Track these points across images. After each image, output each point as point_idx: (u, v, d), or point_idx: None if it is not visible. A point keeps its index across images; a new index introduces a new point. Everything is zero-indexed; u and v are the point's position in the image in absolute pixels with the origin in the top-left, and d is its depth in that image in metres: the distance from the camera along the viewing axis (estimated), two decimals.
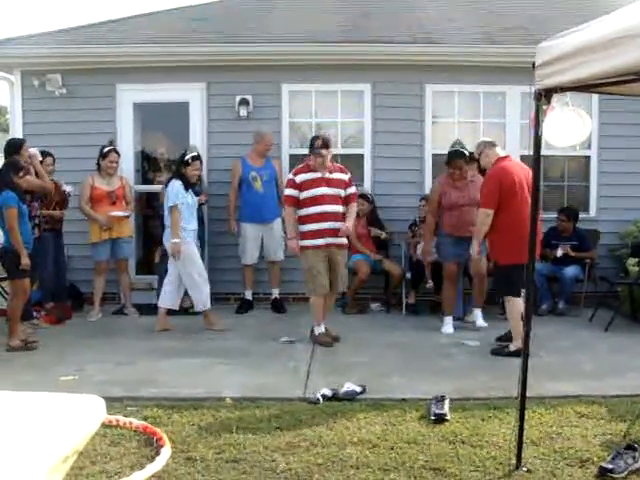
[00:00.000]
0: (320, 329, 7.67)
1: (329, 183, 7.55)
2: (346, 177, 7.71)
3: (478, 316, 8.39)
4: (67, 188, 8.80)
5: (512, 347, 6.98)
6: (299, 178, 7.55)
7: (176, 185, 8.06)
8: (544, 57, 3.92)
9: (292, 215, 7.62)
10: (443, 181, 8.30)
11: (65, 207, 8.82)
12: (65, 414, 2.84)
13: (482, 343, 7.66)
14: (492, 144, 7.57)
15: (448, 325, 8.23)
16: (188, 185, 8.15)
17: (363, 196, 9.25)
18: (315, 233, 7.51)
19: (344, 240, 7.70)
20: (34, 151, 8.20)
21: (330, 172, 7.58)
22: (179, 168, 8.28)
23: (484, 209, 7.19)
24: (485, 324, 8.29)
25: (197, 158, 8.40)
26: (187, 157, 8.25)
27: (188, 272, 8.07)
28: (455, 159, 8.16)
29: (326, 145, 7.51)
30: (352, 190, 7.77)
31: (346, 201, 7.70)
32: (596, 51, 3.39)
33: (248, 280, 9.35)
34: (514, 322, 7.03)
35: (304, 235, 7.58)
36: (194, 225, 8.24)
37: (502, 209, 7.05)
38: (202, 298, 8.19)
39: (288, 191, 7.62)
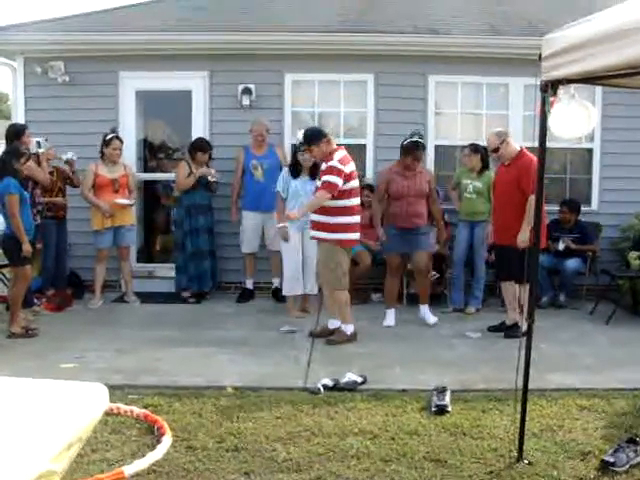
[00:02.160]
0: (350, 327, 7.48)
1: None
2: (324, 166, 7.22)
3: (426, 313, 8.25)
4: (69, 155, 8.75)
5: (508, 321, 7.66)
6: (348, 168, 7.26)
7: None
8: (551, 49, 3.90)
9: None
10: (393, 170, 8.19)
11: (73, 183, 8.83)
12: (69, 401, 2.84)
13: (484, 335, 7.67)
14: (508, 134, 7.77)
15: (390, 318, 8.18)
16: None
17: (369, 187, 9.26)
18: (353, 227, 7.38)
19: (316, 234, 7.38)
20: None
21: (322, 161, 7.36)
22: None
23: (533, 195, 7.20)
24: (436, 319, 8.17)
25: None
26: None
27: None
28: (415, 150, 8.06)
29: (306, 141, 7.34)
30: (324, 178, 7.14)
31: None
32: (604, 43, 3.37)
33: (249, 269, 9.35)
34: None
35: (341, 227, 7.28)
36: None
37: None
38: None
39: (338, 180, 7.12)
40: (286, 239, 8.14)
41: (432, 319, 8.14)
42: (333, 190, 7.07)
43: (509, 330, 7.62)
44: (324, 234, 7.27)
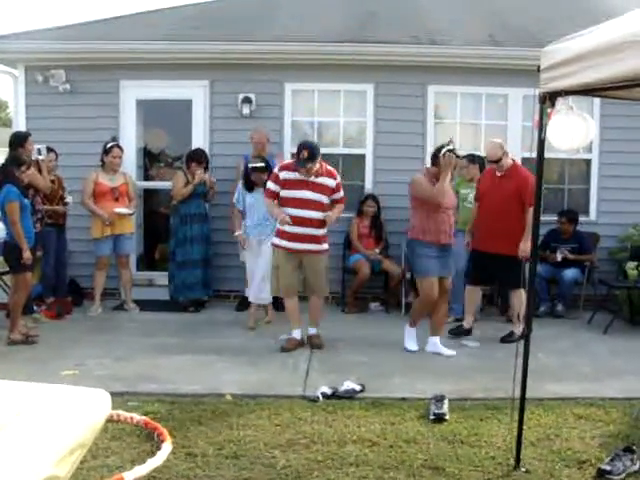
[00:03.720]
0: (294, 334, 7.53)
1: (310, 186, 7.29)
2: (333, 183, 7.35)
3: (440, 345, 7.48)
4: (69, 199, 8.82)
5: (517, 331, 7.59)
6: (283, 175, 7.33)
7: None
8: (549, 60, 3.95)
9: (272, 205, 7.48)
10: (427, 179, 7.33)
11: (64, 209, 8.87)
12: (72, 407, 2.86)
13: (482, 344, 7.70)
14: None
15: (412, 340, 7.57)
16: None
17: (372, 197, 9.36)
18: (290, 236, 7.31)
19: (321, 247, 7.41)
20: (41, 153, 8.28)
21: (316, 176, 7.27)
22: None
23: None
24: (453, 352, 7.38)
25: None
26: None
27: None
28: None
29: (312, 158, 7.14)
30: (339, 195, 7.44)
31: (332, 204, 7.45)
32: (603, 56, 3.42)
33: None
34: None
35: (278, 233, 7.42)
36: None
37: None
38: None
39: (270, 184, 7.44)
40: (244, 247, 8.44)
41: (449, 351, 7.37)
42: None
43: (508, 336, 7.86)
44: (320, 246, 7.41)
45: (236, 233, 8.45)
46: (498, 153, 7.84)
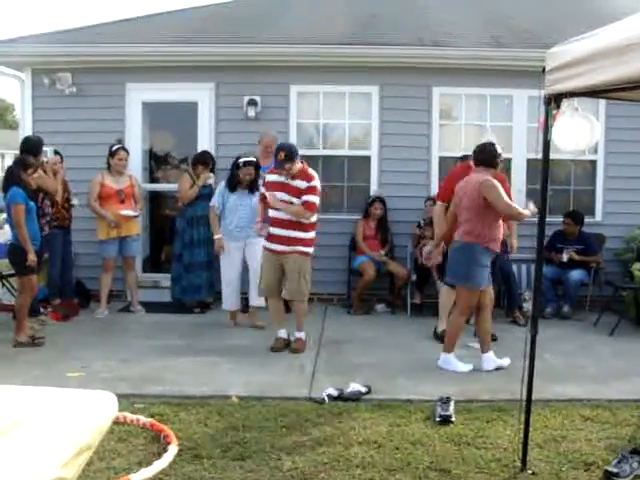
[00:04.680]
0: (279, 333, 7.57)
1: (285, 189, 7.27)
2: (304, 185, 7.22)
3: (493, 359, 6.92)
4: (75, 201, 8.85)
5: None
6: (268, 177, 7.49)
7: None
8: (554, 62, 3.95)
9: (260, 209, 7.58)
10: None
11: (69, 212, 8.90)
12: (79, 409, 2.87)
13: None
14: None
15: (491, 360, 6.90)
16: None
17: (380, 199, 9.36)
18: (269, 237, 7.39)
19: (294, 248, 7.27)
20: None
21: (293, 178, 7.23)
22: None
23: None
24: (508, 360, 6.74)
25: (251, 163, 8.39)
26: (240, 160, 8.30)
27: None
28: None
29: (289, 158, 7.14)
30: (305, 198, 7.20)
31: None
32: (608, 57, 3.42)
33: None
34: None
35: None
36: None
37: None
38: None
39: (261, 188, 7.68)
40: (221, 251, 8.34)
41: (506, 361, 6.77)
42: (316, 211, 7.34)
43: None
44: (293, 248, 7.30)
45: (217, 236, 8.32)
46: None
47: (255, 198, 8.02)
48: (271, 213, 7.36)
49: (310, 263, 7.44)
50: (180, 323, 8.61)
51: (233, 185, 8.28)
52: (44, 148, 8.24)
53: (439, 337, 7.76)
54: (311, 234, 7.39)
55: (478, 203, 6.50)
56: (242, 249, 8.29)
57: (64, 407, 2.89)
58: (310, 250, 7.39)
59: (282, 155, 7.14)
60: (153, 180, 10.51)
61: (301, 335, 7.53)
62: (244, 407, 5.63)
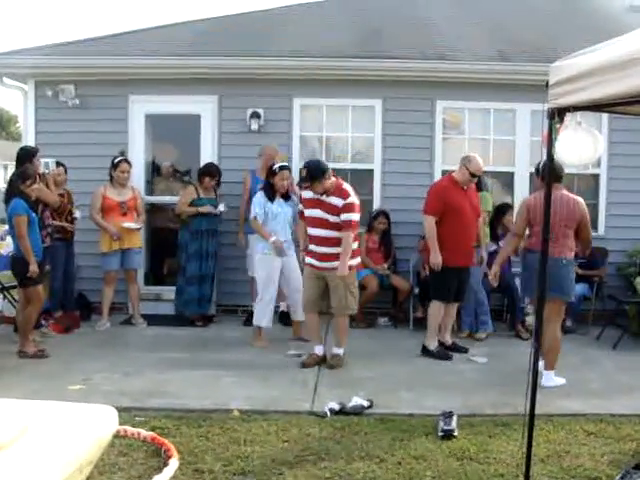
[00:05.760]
0: (316, 349, 7.52)
1: (321, 206, 7.23)
2: (341, 202, 7.14)
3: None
4: (77, 214, 8.85)
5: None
6: (304, 194, 7.44)
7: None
8: (558, 76, 3.95)
9: (301, 229, 7.64)
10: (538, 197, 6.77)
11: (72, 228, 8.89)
12: (79, 424, 2.86)
13: (490, 360, 7.66)
14: None
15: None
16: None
17: (384, 213, 9.37)
18: (309, 253, 7.41)
19: (334, 264, 7.21)
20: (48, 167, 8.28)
21: (328, 195, 7.20)
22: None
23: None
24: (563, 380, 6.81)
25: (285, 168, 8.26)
26: (275, 167, 8.16)
27: None
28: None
29: (310, 178, 7.17)
30: (345, 217, 7.13)
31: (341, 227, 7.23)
32: (611, 72, 3.41)
33: (255, 292, 9.35)
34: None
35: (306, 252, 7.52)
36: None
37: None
38: None
39: (300, 205, 7.62)
40: (281, 254, 8.05)
41: (560, 380, 6.80)
42: (356, 227, 7.28)
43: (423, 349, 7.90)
44: (333, 264, 7.24)
45: (272, 239, 7.97)
46: (482, 168, 7.92)
47: (289, 207, 8.09)
48: (310, 231, 7.36)
49: (354, 276, 7.44)
50: (182, 336, 8.59)
51: (272, 194, 8.12)
52: (47, 160, 8.24)
53: (434, 354, 7.74)
54: (352, 246, 7.28)
55: (575, 220, 6.88)
56: (281, 262, 8.16)
57: (65, 421, 2.88)
58: (353, 262, 7.34)
59: (304, 173, 7.24)
60: (154, 192, 10.47)
61: (340, 352, 7.45)
62: (246, 421, 5.62)
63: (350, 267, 7.27)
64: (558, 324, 6.80)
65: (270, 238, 7.96)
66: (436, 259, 7.59)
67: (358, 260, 7.53)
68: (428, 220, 7.66)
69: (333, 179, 7.28)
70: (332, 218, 7.19)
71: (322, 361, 7.42)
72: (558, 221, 6.64)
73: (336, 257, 7.20)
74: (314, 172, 7.19)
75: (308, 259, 7.43)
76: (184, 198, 9.07)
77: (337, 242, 7.20)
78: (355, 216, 7.21)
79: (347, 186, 7.35)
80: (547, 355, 6.67)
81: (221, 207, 9.03)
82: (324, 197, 7.22)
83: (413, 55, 9.72)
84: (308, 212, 7.38)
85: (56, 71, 9.59)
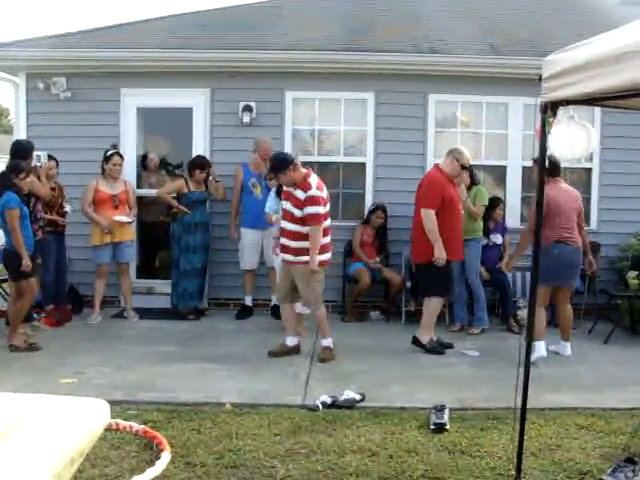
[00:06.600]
0: (287, 340, 7.54)
1: (289, 198, 7.24)
2: (302, 195, 7.10)
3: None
4: (67, 208, 8.81)
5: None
6: (285, 187, 7.46)
7: None
8: (551, 70, 3.94)
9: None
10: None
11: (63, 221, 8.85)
12: (70, 416, 2.85)
13: (482, 353, 7.68)
14: None
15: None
16: None
17: (382, 208, 9.37)
18: (281, 247, 7.43)
19: (295, 258, 7.21)
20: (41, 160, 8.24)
21: (295, 188, 7.19)
22: None
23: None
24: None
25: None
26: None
27: None
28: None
29: (273, 169, 7.31)
30: (307, 210, 7.09)
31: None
32: (605, 65, 3.41)
33: (248, 286, 9.36)
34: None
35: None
36: None
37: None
38: None
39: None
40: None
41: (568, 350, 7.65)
42: (320, 220, 7.15)
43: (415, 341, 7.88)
44: (295, 258, 7.24)
45: (274, 218, 8.21)
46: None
47: None
48: (281, 224, 7.38)
49: (322, 271, 7.35)
50: (174, 329, 8.59)
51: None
52: (38, 153, 8.20)
53: (427, 348, 7.72)
54: (322, 241, 7.22)
55: (579, 210, 7.64)
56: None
57: (56, 414, 2.87)
58: (323, 257, 7.26)
59: (268, 165, 7.28)
60: (142, 185, 10.42)
61: (327, 343, 7.44)
62: (238, 414, 5.62)
63: (321, 262, 7.23)
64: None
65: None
66: (441, 254, 7.53)
67: (328, 256, 7.42)
68: (429, 214, 7.56)
69: (303, 171, 7.24)
70: (296, 211, 7.15)
71: (293, 352, 7.45)
72: (569, 210, 7.27)
73: (299, 251, 7.18)
74: (276, 164, 7.23)
75: (281, 253, 7.44)
76: (170, 187, 9.17)
77: (302, 236, 7.16)
78: (317, 209, 7.11)
79: (313, 179, 7.26)
80: (568, 328, 7.66)
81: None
82: (292, 190, 7.22)
83: (405, 48, 9.72)
84: (283, 205, 7.40)
85: (48, 64, 9.55)
